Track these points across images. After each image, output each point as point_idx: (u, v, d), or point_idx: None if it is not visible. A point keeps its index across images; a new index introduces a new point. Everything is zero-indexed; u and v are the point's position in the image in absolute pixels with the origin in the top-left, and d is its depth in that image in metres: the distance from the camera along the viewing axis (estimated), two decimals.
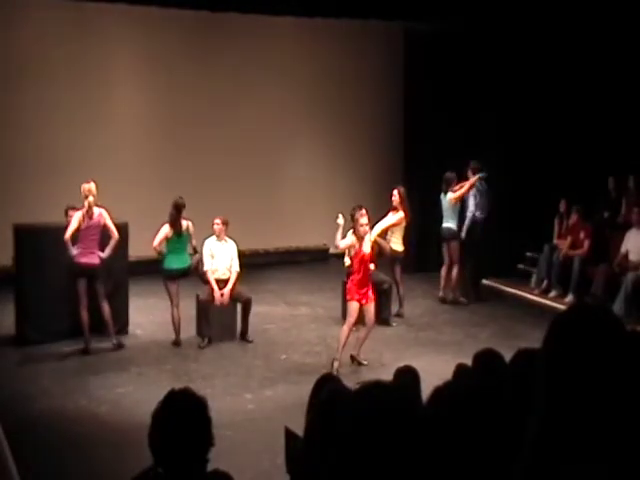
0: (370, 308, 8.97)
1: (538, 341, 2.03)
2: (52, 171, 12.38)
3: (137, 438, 3.63)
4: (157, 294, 10.88)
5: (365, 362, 9.08)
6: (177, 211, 9.71)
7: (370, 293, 8.98)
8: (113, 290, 9.91)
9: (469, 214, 11.77)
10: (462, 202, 11.82)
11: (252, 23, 13.52)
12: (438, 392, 3.13)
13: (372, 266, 10.91)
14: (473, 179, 11.73)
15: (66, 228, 9.19)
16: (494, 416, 3.22)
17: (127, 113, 13.40)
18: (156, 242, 9.69)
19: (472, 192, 11.77)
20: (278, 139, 14.39)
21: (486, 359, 4.33)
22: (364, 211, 8.91)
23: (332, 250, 9.47)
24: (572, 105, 12.41)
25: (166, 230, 9.73)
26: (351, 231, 10.62)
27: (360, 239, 8.82)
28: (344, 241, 8.97)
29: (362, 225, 8.80)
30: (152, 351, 9.62)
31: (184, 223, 9.77)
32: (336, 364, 8.71)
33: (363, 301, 8.88)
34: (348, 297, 8.97)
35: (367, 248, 8.87)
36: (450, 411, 2.92)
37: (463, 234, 11.68)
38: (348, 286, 9.02)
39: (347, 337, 8.82)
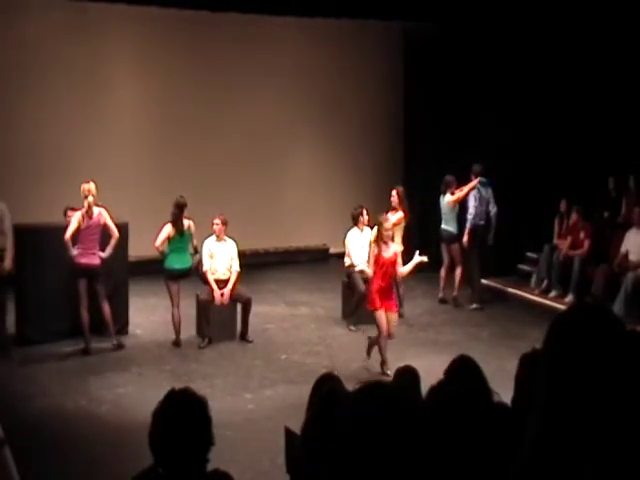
0: (391, 318, 8.72)
1: (538, 341, 2.03)
2: (52, 171, 12.39)
3: (137, 438, 3.64)
4: (157, 294, 10.90)
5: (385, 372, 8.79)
6: (179, 210, 9.72)
7: (393, 302, 8.75)
8: (113, 290, 9.90)
9: (469, 216, 11.74)
10: (461, 205, 11.80)
11: (252, 23, 13.52)
12: (433, 391, 3.14)
13: None
14: (472, 183, 11.71)
15: (66, 228, 9.19)
16: (491, 416, 3.22)
17: (127, 113, 13.40)
18: (158, 242, 9.69)
19: (473, 194, 11.73)
20: (278, 139, 14.38)
21: (458, 367, 4.31)
22: (388, 216, 8.87)
23: (358, 269, 9.55)
24: (572, 105, 12.40)
25: (168, 229, 9.73)
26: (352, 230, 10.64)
27: (384, 244, 8.62)
28: (369, 261, 8.91)
29: (387, 229, 8.62)
30: (152, 351, 9.62)
31: (185, 222, 9.77)
32: (386, 369, 8.62)
33: (387, 308, 8.64)
34: (370, 306, 8.70)
35: (389, 253, 8.64)
36: (445, 410, 2.92)
37: (464, 239, 11.63)
38: (369, 293, 8.74)
39: (385, 347, 8.75)
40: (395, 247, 8.76)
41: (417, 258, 8.73)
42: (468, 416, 3.00)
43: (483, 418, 3.19)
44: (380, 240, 8.63)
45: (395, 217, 11.14)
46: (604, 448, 1.71)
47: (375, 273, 8.63)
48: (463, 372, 4.13)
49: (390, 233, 8.68)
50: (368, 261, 8.99)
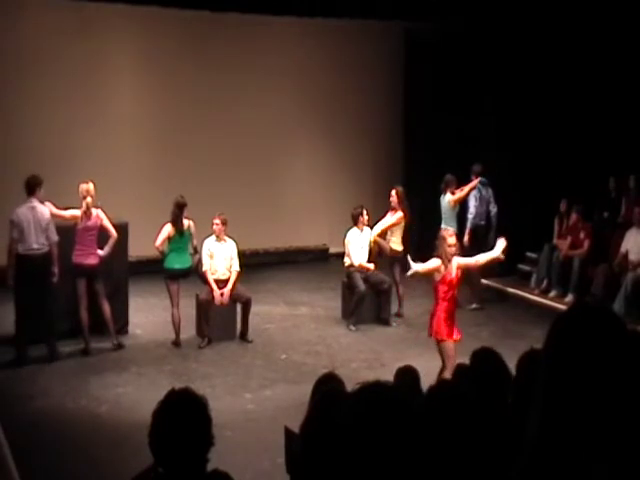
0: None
1: (538, 341, 2.03)
2: (52, 172, 12.31)
3: (137, 438, 3.64)
4: (157, 294, 10.90)
5: None
6: (179, 210, 9.72)
7: (457, 328, 7.60)
8: (113, 290, 9.90)
9: (470, 216, 11.75)
10: (462, 205, 11.81)
11: (252, 23, 13.53)
12: (432, 392, 3.14)
13: (372, 266, 10.97)
14: (473, 183, 11.72)
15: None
16: (491, 416, 3.22)
17: (127, 113, 13.40)
18: (158, 242, 9.70)
19: (473, 194, 11.75)
20: (278, 139, 14.38)
21: (483, 356, 4.35)
22: (451, 230, 7.61)
23: (410, 273, 7.72)
24: (572, 105, 12.40)
25: (168, 229, 9.74)
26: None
27: (448, 262, 7.42)
28: (426, 265, 7.54)
29: (450, 246, 7.43)
30: (152, 351, 9.62)
31: (185, 222, 9.78)
32: None
33: (456, 336, 7.53)
34: (439, 337, 7.51)
35: (454, 271, 7.47)
36: (443, 411, 2.92)
37: (465, 239, 11.63)
38: (436, 321, 7.51)
39: None
40: (457, 260, 7.52)
41: (500, 246, 7.80)
42: (487, 416, 3.00)
43: (496, 418, 3.20)
44: (445, 259, 7.42)
45: (395, 217, 11.17)
46: (604, 448, 1.71)
47: (441, 295, 7.46)
48: (491, 369, 4.11)
49: (455, 249, 7.50)
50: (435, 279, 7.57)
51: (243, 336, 10.09)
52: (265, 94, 14.06)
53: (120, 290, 10.15)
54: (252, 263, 12.74)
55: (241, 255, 10.40)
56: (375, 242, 11.10)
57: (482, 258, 7.87)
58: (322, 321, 10.99)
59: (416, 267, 7.58)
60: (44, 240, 9.00)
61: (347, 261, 10.96)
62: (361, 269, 10.84)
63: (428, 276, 7.65)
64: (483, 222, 11.82)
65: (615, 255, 11.20)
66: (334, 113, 14.57)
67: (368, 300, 10.81)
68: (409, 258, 7.87)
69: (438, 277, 7.43)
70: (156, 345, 9.83)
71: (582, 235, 11.75)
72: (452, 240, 7.50)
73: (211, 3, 12.45)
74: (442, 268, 7.39)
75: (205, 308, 9.91)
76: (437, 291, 7.50)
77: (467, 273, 11.72)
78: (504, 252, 7.90)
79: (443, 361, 7.51)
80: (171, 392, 3.05)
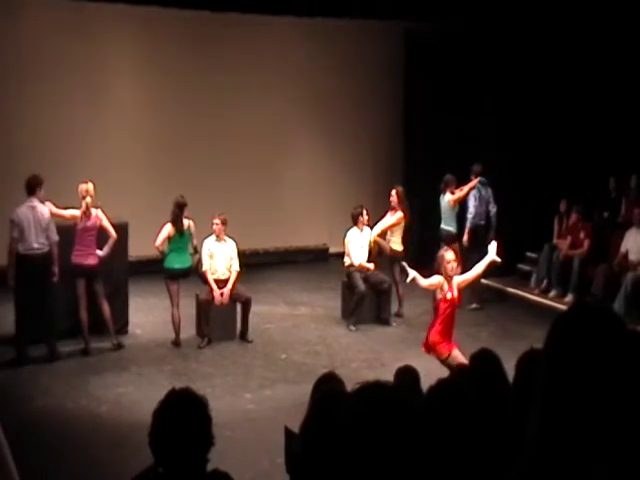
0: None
1: (538, 341, 2.03)
2: (53, 171, 12.30)
3: (137, 438, 3.64)
4: (157, 294, 10.90)
5: None
6: (179, 209, 9.72)
7: (453, 339, 7.47)
8: (113, 290, 9.90)
9: (469, 216, 11.76)
10: (461, 205, 11.82)
11: (252, 23, 13.53)
12: (432, 392, 3.14)
13: (372, 266, 10.97)
14: (472, 182, 11.73)
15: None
16: (491, 416, 3.22)
17: (127, 114, 13.39)
18: (158, 241, 9.70)
19: (473, 193, 11.76)
20: (278, 139, 14.38)
21: (482, 359, 4.35)
22: (449, 250, 7.56)
23: (409, 279, 7.61)
24: (573, 105, 12.41)
25: (168, 229, 9.74)
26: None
27: (449, 279, 7.24)
28: (428, 280, 7.35)
29: (449, 262, 7.20)
30: (152, 351, 9.63)
31: (185, 222, 9.78)
32: None
33: (453, 347, 7.36)
34: (441, 354, 7.31)
35: (455, 290, 7.28)
36: (443, 411, 2.92)
37: (464, 238, 11.64)
38: (433, 340, 7.38)
39: None
40: (457, 280, 7.37)
41: (492, 248, 7.62)
42: (487, 416, 3.00)
43: (496, 418, 3.20)
44: (447, 276, 7.23)
45: (395, 217, 11.18)
46: (604, 448, 1.71)
47: (440, 312, 7.34)
48: (490, 371, 4.12)
49: (455, 265, 7.33)
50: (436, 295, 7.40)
51: (243, 336, 10.09)
52: (265, 94, 14.06)
53: (120, 290, 10.15)
54: (252, 263, 12.74)
55: (241, 255, 10.40)
56: (375, 242, 11.11)
57: (479, 267, 7.69)
58: (322, 321, 10.99)
59: (414, 273, 7.47)
60: (44, 240, 9.00)
61: (347, 261, 10.96)
62: (361, 269, 10.85)
63: (430, 291, 7.54)
64: (483, 222, 11.82)
65: (615, 255, 11.20)
66: (334, 113, 14.57)
67: (368, 300, 10.81)
68: (405, 264, 7.89)
69: (440, 295, 7.28)
70: (156, 345, 9.83)
71: (582, 235, 11.75)
72: (450, 256, 7.29)
73: (211, 3, 12.44)
74: (445, 286, 7.23)
75: (205, 308, 9.91)
76: (438, 308, 7.37)
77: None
78: (498, 254, 7.82)
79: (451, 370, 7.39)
80: (171, 392, 3.05)
